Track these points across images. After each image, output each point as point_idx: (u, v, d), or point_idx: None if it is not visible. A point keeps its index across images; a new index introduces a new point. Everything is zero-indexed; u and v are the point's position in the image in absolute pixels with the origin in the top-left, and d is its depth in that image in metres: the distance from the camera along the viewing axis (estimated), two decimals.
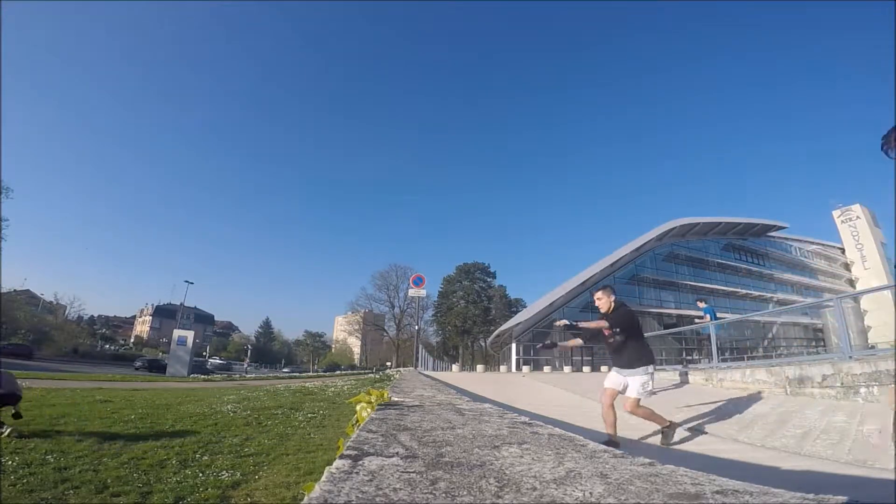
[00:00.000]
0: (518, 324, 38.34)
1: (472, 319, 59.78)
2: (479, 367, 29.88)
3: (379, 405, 1.92)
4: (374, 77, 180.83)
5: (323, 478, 0.70)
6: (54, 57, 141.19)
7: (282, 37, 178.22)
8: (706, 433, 5.13)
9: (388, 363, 61.17)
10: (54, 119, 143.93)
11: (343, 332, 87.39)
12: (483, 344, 58.31)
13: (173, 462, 5.07)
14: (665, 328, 36.05)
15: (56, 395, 9.57)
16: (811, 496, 0.60)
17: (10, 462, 4.51)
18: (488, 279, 64.80)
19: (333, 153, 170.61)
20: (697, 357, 22.76)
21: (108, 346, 58.27)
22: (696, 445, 4.47)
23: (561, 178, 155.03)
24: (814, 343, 45.22)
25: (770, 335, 42.88)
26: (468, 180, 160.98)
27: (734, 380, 8.67)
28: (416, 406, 1.83)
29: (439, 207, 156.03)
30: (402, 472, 0.75)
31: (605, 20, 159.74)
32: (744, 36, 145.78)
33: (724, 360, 11.76)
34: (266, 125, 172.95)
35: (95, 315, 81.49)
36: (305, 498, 0.61)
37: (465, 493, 0.65)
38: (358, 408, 2.07)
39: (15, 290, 45.71)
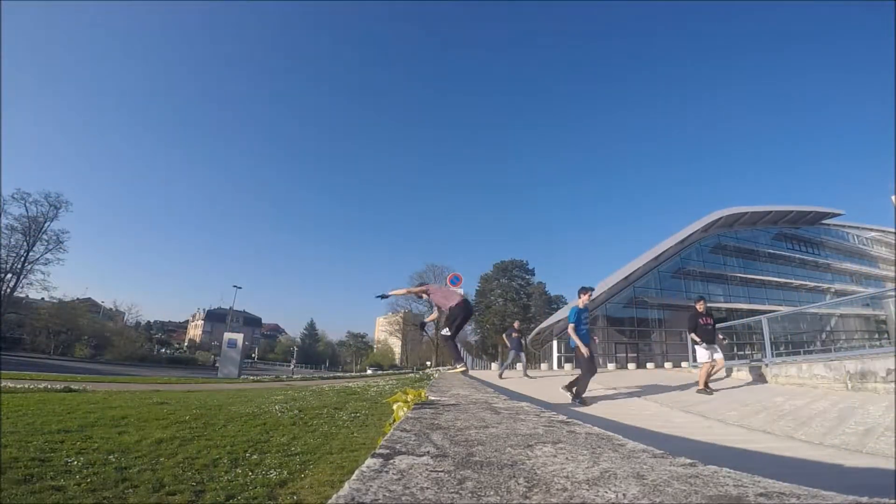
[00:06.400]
0: (559, 321, 37.67)
1: (510, 317, 59.37)
2: (519, 366, 29.50)
3: (416, 404, 1.93)
4: (413, 77, 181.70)
5: (353, 476, 0.71)
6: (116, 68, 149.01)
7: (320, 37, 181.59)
8: (758, 431, 4.91)
9: (428, 363, 61.55)
10: (114, 131, 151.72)
11: (384, 333, 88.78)
12: (523, 342, 57.75)
13: (225, 461, 5.26)
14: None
15: (118, 398, 10.13)
16: (865, 499, 0.56)
17: (75, 462, 4.79)
18: (527, 276, 64.26)
19: (372, 154, 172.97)
20: (750, 352, 21.78)
21: (164, 349, 61.20)
22: (748, 444, 4.29)
23: (604, 174, 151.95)
24: (877, 336, 42.35)
25: (828, 328, 40.51)
26: (507, 176, 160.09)
27: (789, 375, 8.29)
28: (452, 405, 1.83)
29: (476, 203, 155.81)
30: (431, 471, 0.75)
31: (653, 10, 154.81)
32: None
33: (778, 355, 11.21)
34: (313, 129, 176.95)
35: (152, 321, 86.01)
36: (333, 496, 0.62)
37: (491, 493, 0.64)
38: (395, 407, 2.10)
39: (78, 299, 48.29)
